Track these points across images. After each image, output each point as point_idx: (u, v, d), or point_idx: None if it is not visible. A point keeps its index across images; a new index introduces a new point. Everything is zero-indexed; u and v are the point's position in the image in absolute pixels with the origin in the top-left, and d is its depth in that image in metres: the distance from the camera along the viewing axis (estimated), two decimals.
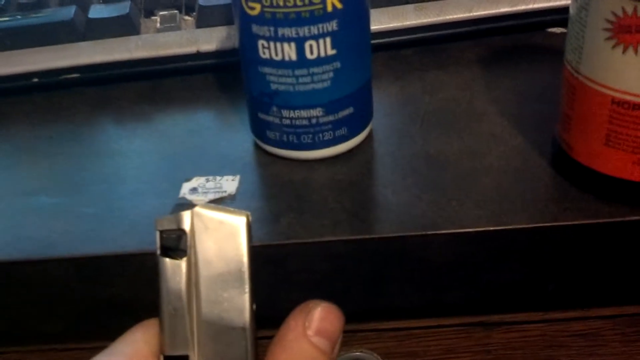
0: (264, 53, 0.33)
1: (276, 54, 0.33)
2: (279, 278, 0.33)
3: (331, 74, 0.34)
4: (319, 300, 0.28)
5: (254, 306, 0.26)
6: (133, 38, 0.44)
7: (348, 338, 0.39)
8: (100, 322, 0.34)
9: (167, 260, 0.25)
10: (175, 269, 0.25)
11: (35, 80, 0.44)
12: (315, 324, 0.27)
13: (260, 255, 0.32)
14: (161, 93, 0.44)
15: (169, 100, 0.43)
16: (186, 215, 0.25)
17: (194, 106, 0.43)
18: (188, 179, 0.36)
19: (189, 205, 0.26)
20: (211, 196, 0.35)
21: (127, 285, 0.33)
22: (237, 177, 0.36)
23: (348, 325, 0.38)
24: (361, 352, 0.39)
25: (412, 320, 0.38)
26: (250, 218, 0.26)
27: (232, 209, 0.26)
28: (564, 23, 0.46)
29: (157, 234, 0.25)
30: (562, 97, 0.34)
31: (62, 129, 0.41)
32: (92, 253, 0.32)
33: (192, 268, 0.25)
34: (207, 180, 0.36)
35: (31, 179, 0.37)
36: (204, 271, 0.25)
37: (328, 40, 0.33)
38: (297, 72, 0.33)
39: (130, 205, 0.35)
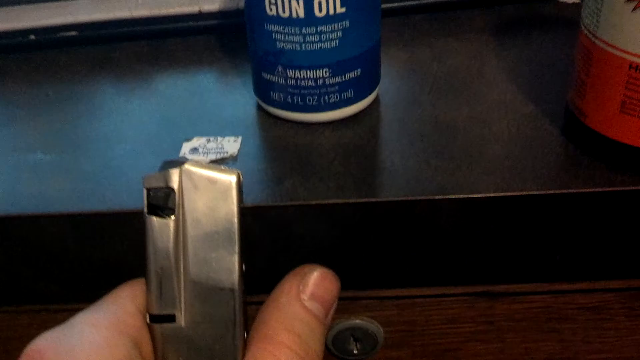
0: (270, 9, 0.32)
1: (283, 11, 0.32)
2: (282, 242, 0.32)
3: (339, 33, 0.33)
4: (316, 265, 0.27)
5: (244, 267, 0.25)
6: None
7: (348, 305, 0.38)
8: (95, 283, 0.34)
9: (155, 218, 0.24)
10: (162, 228, 0.24)
11: (33, 37, 0.43)
12: (310, 288, 0.26)
13: (262, 218, 0.31)
14: (162, 53, 0.43)
15: (170, 61, 0.42)
16: (175, 173, 0.24)
17: (195, 67, 0.41)
18: (188, 139, 0.35)
19: (178, 162, 0.24)
20: (212, 156, 0.34)
21: (124, 245, 0.32)
22: (239, 139, 0.35)
23: (349, 292, 0.37)
24: (361, 320, 0.38)
25: (414, 289, 0.37)
26: (241, 177, 0.25)
27: (222, 167, 0.25)
28: None
29: (145, 192, 0.24)
30: (576, 63, 0.33)
31: (59, 88, 0.40)
32: (88, 210, 0.31)
33: (180, 227, 0.24)
34: (208, 141, 0.35)
35: (27, 136, 0.36)
36: (192, 230, 0.24)
37: None
38: (305, 30, 0.32)
39: (128, 164, 0.34)
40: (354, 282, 0.36)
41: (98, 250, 0.32)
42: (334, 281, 0.27)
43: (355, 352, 0.40)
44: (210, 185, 0.24)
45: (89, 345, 0.23)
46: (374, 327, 0.39)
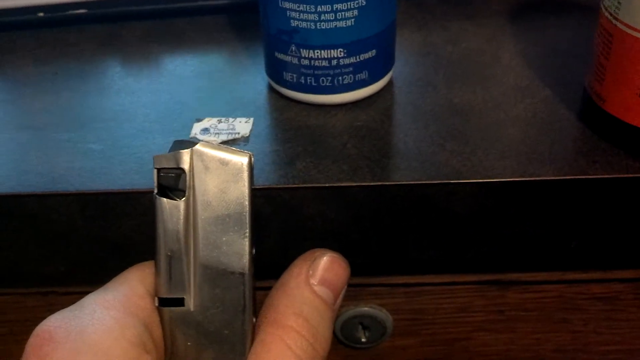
0: None
1: None
2: (293, 224, 0.31)
3: (355, 12, 0.32)
4: (326, 250, 0.27)
5: (254, 251, 0.24)
6: None
7: (357, 292, 0.37)
8: (104, 265, 0.33)
9: (165, 200, 0.24)
10: (172, 210, 0.24)
11: (41, 14, 0.42)
12: (319, 273, 0.26)
13: (274, 200, 0.31)
14: (171, 33, 0.42)
15: (179, 40, 0.41)
16: (186, 154, 0.24)
17: (205, 47, 0.41)
18: (199, 119, 0.35)
19: (189, 142, 0.24)
20: (223, 137, 0.33)
21: (133, 225, 0.31)
22: (251, 120, 0.35)
23: (358, 278, 0.37)
24: (370, 307, 0.38)
25: (425, 276, 0.36)
26: (252, 159, 0.24)
27: (234, 149, 0.24)
28: None
29: (155, 172, 0.24)
30: (596, 47, 0.32)
31: (67, 66, 0.39)
32: (97, 189, 0.30)
33: (191, 209, 0.24)
34: (220, 122, 0.34)
35: (35, 113, 0.36)
36: (203, 213, 0.24)
37: None
38: (320, 8, 0.31)
39: (138, 143, 0.33)
40: (364, 268, 0.36)
41: (107, 230, 0.31)
42: (343, 266, 0.27)
43: (364, 340, 0.39)
44: (222, 167, 0.24)
45: (100, 326, 0.23)
46: (382, 314, 0.38)
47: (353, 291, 0.37)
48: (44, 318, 0.24)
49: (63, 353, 0.22)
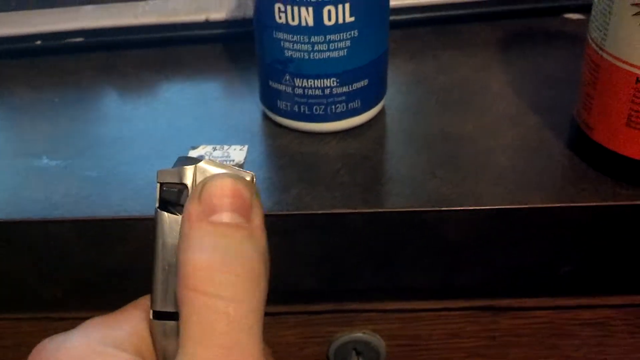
0: (280, 17, 0.32)
1: (292, 19, 0.32)
2: (287, 250, 0.32)
3: (348, 43, 0.33)
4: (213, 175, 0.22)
5: None
6: (140, 3, 0.43)
7: (351, 318, 0.38)
8: (99, 290, 0.33)
9: (166, 214, 0.24)
10: (172, 225, 0.24)
11: (39, 42, 0.42)
12: (209, 202, 0.21)
13: (268, 226, 0.31)
14: (168, 61, 0.43)
15: (176, 68, 0.42)
16: (189, 170, 0.24)
17: (201, 75, 0.42)
18: (194, 147, 0.35)
19: (193, 160, 0.24)
20: None
21: (129, 252, 0.32)
22: (246, 147, 0.35)
23: (352, 304, 0.37)
24: (363, 333, 0.38)
25: (418, 302, 0.37)
26: (255, 179, 0.24)
27: (237, 168, 0.24)
28: (580, 9, 0.46)
29: (158, 186, 0.24)
30: (583, 77, 0.33)
31: (65, 93, 0.40)
32: (94, 216, 0.31)
33: None
34: (215, 149, 0.35)
35: (33, 141, 0.36)
36: None
37: (347, 6, 0.32)
38: (314, 38, 0.32)
39: (134, 170, 0.34)
40: (358, 294, 0.36)
41: (103, 256, 0.32)
42: (235, 183, 0.22)
43: None
44: None
45: (83, 333, 0.23)
46: (376, 340, 0.38)
47: (347, 317, 0.38)
48: (38, 343, 0.24)
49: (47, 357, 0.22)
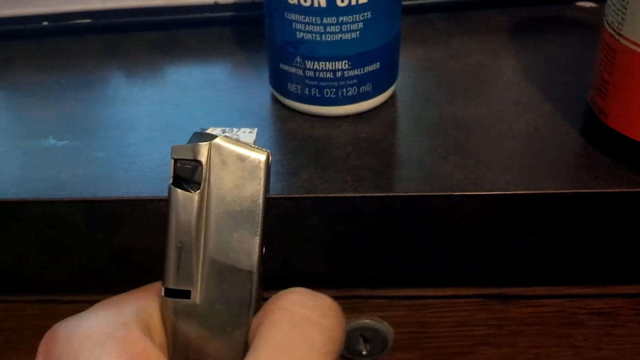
0: None
1: (305, 0, 0.31)
2: (296, 234, 0.31)
3: (360, 25, 0.32)
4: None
5: (264, 250, 0.24)
6: None
7: (359, 304, 0.37)
8: (106, 273, 0.33)
9: (179, 191, 0.24)
10: (186, 202, 0.24)
11: (45, 23, 0.42)
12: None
13: (278, 209, 0.31)
14: (175, 44, 0.42)
15: (184, 51, 0.42)
16: (204, 147, 0.24)
17: (209, 58, 0.41)
18: (203, 129, 0.35)
19: (208, 136, 0.24)
20: None
21: (137, 233, 0.31)
22: (255, 130, 0.35)
23: (360, 290, 0.37)
24: (371, 320, 0.38)
25: (427, 289, 0.36)
26: (270, 157, 0.24)
27: (252, 146, 0.24)
28: None
29: (172, 162, 0.24)
30: (598, 62, 0.32)
31: (72, 75, 0.40)
32: (101, 197, 0.30)
33: (204, 202, 0.24)
34: (224, 132, 0.35)
35: (39, 122, 0.36)
36: (216, 207, 0.24)
37: None
38: (326, 20, 0.32)
39: (142, 151, 0.33)
40: (366, 280, 0.36)
41: (110, 237, 0.31)
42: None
43: (364, 353, 0.39)
44: (239, 163, 0.24)
45: (94, 314, 0.23)
46: (384, 327, 0.38)
47: (355, 303, 0.37)
48: (42, 327, 0.24)
49: (60, 343, 0.22)
